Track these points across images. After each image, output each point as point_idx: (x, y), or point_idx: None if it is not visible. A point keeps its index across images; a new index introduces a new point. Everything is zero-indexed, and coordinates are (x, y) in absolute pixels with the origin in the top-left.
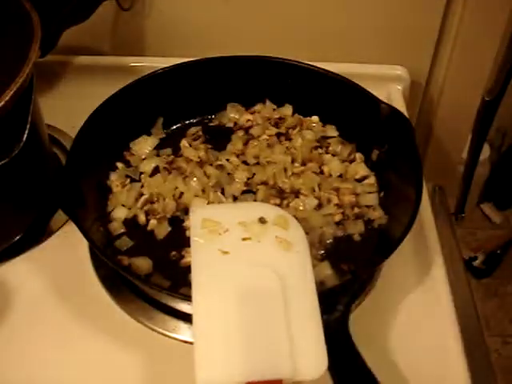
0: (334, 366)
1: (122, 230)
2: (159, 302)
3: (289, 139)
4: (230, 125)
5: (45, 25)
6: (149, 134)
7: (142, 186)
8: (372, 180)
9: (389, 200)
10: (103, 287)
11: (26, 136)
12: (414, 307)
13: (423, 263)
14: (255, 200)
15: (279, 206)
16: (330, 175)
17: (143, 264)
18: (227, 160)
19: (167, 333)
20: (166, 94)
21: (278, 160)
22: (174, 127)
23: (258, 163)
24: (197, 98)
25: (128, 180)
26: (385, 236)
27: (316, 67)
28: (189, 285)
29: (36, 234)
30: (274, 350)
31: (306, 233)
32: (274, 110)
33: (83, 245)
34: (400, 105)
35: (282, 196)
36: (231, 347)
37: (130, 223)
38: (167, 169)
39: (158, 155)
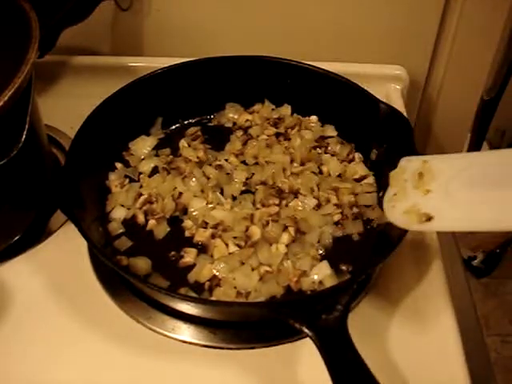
0: (332, 366)
1: (121, 230)
2: (158, 301)
3: (288, 139)
4: (229, 125)
5: (43, 25)
6: (148, 134)
7: (141, 186)
8: (371, 180)
9: None
10: (102, 287)
11: (24, 136)
12: (413, 307)
13: (422, 263)
14: (254, 200)
15: (278, 205)
16: (329, 175)
17: (142, 264)
18: (226, 160)
19: (166, 333)
20: (165, 94)
21: (276, 160)
22: (173, 127)
23: (256, 163)
24: (196, 98)
25: (127, 180)
26: (384, 236)
27: (315, 67)
28: (187, 285)
29: (35, 234)
30: None
31: (305, 233)
32: (273, 109)
33: (82, 245)
34: (399, 104)
35: (280, 196)
36: None
37: (129, 223)
38: (166, 169)
39: (156, 155)
